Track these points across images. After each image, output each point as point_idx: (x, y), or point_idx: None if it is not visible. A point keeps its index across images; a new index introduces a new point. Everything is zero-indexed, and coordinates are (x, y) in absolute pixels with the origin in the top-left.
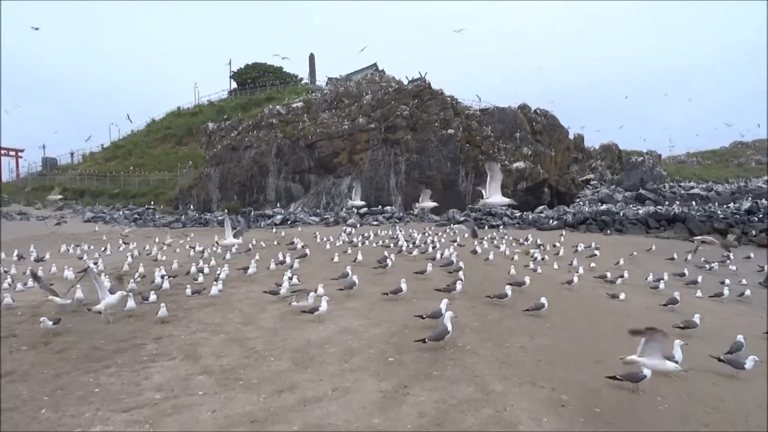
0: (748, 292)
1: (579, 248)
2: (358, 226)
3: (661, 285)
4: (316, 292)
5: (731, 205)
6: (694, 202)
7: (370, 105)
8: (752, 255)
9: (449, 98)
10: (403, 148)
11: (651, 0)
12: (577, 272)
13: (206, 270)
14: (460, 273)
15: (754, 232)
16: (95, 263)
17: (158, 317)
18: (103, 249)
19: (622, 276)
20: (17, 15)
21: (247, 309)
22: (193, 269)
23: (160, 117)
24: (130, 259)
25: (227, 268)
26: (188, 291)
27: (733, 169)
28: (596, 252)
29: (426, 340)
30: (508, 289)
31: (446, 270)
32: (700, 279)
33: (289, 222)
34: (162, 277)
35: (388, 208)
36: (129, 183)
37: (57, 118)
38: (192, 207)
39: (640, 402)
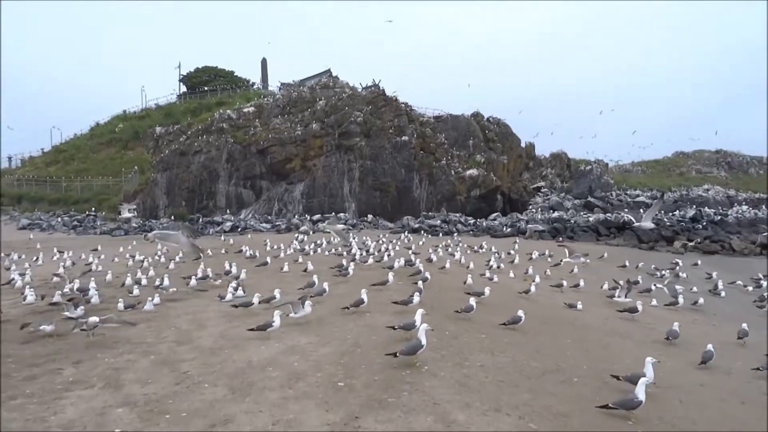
0: (701, 300)
1: (533, 255)
2: (311, 233)
3: (618, 294)
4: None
5: (676, 212)
6: (641, 210)
7: (323, 111)
8: (699, 262)
9: (403, 105)
10: (357, 154)
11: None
12: (534, 281)
13: (144, 281)
14: (420, 284)
15: (699, 239)
16: (22, 275)
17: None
18: (35, 258)
19: (577, 285)
20: None
21: (185, 325)
22: (129, 281)
23: (105, 120)
24: (62, 270)
25: (167, 279)
26: (120, 305)
27: (675, 178)
28: (549, 259)
29: (398, 354)
30: (473, 301)
31: (411, 280)
32: (654, 287)
33: (239, 229)
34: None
35: (341, 215)
36: (71, 189)
37: None
38: (128, 209)
39: (613, 427)
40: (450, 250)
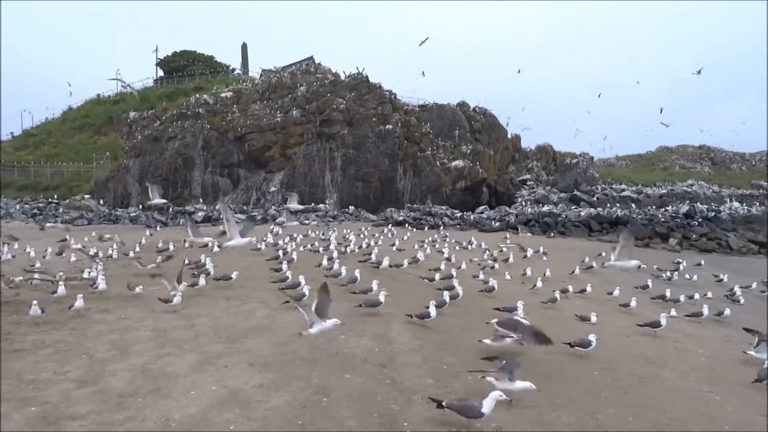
0: (727, 311)
1: (528, 254)
2: (286, 224)
3: (632, 303)
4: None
5: (669, 208)
6: (633, 205)
7: (304, 97)
8: (703, 262)
9: (388, 93)
10: (339, 143)
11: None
12: (534, 285)
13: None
14: (446, 296)
15: (694, 236)
16: None
17: None
18: None
19: (584, 290)
20: None
21: (102, 351)
22: (61, 289)
23: (78, 105)
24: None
25: (102, 281)
26: (33, 310)
27: (659, 173)
28: (544, 258)
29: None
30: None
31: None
32: (668, 293)
33: (211, 220)
34: None
35: (321, 206)
36: (40, 174)
37: None
38: (96, 197)
39: None
40: (437, 246)
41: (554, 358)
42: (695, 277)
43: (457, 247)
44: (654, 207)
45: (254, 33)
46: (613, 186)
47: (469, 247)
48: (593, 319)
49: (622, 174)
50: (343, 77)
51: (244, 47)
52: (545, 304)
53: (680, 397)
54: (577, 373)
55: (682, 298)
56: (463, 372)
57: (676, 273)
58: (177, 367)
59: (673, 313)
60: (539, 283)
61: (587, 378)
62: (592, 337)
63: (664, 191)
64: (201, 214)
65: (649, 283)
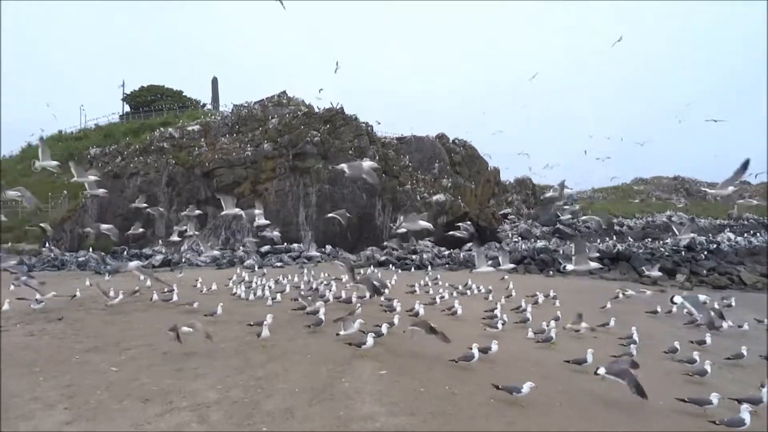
0: None
1: (539, 299)
2: (256, 268)
3: (707, 368)
4: None
5: (668, 240)
6: (630, 239)
7: (276, 130)
8: (733, 302)
9: (364, 124)
10: (313, 177)
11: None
12: (551, 340)
13: None
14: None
15: (703, 271)
16: None
17: None
18: None
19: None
20: None
21: None
22: None
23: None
24: None
25: None
26: None
27: (637, 204)
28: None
29: None
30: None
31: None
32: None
33: (171, 264)
34: None
35: (295, 245)
36: None
37: None
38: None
39: None
40: (431, 292)
41: None
42: (746, 326)
43: (454, 293)
44: (637, 240)
45: (225, 69)
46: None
47: (468, 292)
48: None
49: (601, 206)
50: (316, 109)
51: (214, 81)
52: (616, 357)
53: None
54: None
55: None
56: None
57: (723, 322)
58: None
59: None
60: (553, 333)
61: None
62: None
63: (644, 223)
64: (159, 257)
65: (708, 339)
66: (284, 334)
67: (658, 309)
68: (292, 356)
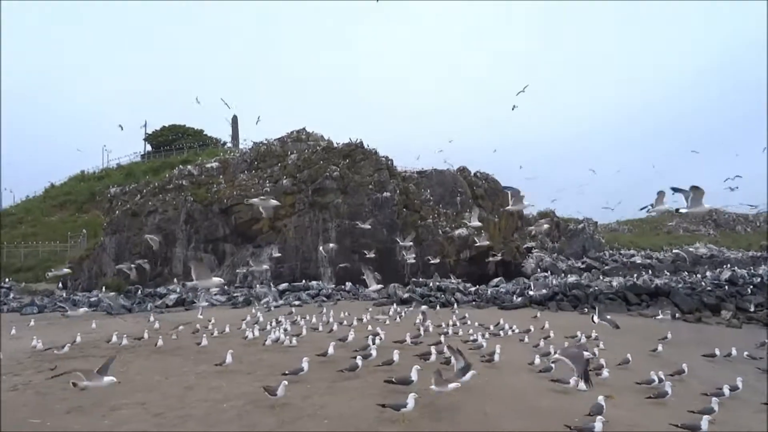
0: None
1: (580, 339)
2: (272, 308)
3: None
4: None
5: (708, 274)
6: (666, 272)
7: (295, 165)
8: None
9: (384, 158)
10: (332, 213)
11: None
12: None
13: None
14: None
15: (751, 307)
16: None
17: None
18: None
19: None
20: None
21: None
22: None
23: (62, 182)
24: None
25: None
26: None
27: (663, 237)
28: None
29: None
30: None
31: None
32: None
33: (185, 303)
34: None
35: (314, 283)
36: (13, 255)
37: None
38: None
39: None
40: (460, 332)
41: None
42: None
43: (486, 334)
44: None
45: (247, 107)
46: (621, 251)
47: (501, 333)
48: None
49: (627, 239)
50: (335, 144)
51: (234, 120)
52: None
53: None
54: None
55: None
56: None
57: None
58: None
59: None
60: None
61: None
62: None
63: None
64: (173, 296)
65: None
66: (299, 390)
67: (717, 352)
68: (306, 422)
